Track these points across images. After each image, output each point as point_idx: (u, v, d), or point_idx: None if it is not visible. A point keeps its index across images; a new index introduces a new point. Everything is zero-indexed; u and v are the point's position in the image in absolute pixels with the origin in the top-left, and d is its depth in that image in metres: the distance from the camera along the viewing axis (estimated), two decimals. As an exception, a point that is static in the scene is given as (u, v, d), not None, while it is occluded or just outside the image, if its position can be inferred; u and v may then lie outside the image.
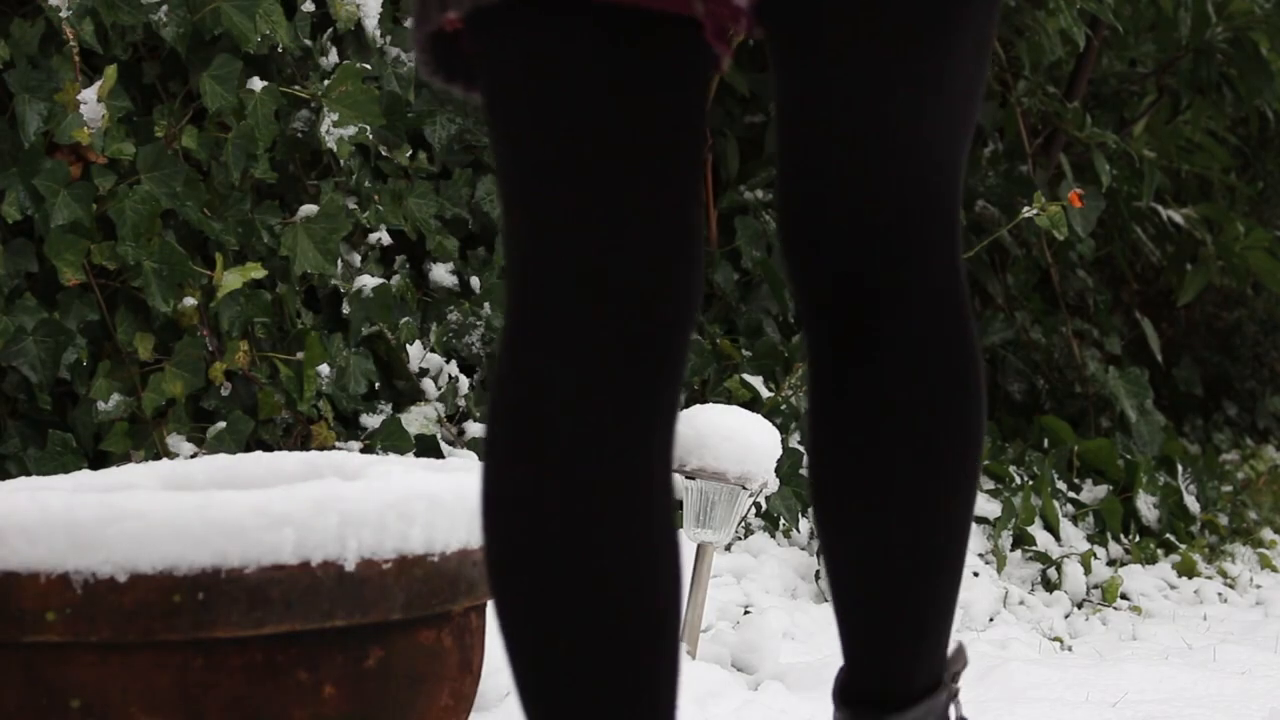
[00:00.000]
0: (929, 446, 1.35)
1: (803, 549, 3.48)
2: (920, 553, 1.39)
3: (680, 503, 2.61)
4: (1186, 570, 4.19)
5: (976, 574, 3.55)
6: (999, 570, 3.72)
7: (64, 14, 2.72)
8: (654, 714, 1.21)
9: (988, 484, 4.09)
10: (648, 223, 1.21)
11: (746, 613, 3.02)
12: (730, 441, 2.46)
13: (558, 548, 1.18)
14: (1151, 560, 4.25)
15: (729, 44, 1.27)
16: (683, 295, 1.23)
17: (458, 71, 1.30)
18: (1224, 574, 4.29)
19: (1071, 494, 4.37)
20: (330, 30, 3.20)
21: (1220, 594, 4.05)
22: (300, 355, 2.97)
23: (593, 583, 1.18)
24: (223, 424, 2.88)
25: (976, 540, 3.80)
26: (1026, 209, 3.70)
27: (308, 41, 3.14)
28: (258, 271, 2.84)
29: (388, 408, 3.24)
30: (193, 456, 2.84)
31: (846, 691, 1.45)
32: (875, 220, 1.27)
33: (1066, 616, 3.65)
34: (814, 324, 1.35)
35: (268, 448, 2.94)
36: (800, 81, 1.26)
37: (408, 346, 3.29)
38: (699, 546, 2.53)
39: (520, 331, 1.21)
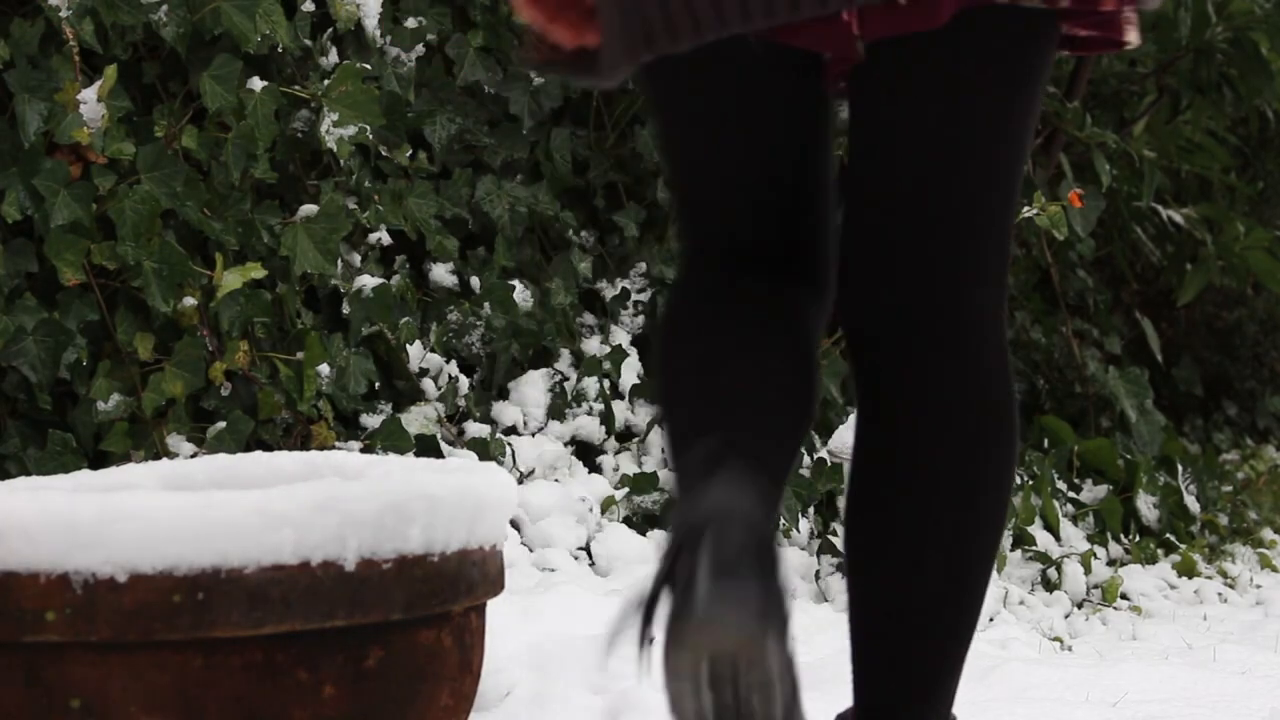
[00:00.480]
0: (964, 485, 1.47)
1: (803, 549, 3.48)
2: (948, 586, 1.48)
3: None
4: (1186, 570, 4.19)
5: (976, 574, 3.55)
6: (999, 570, 3.72)
7: (64, 14, 2.72)
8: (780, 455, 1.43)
9: (988, 484, 4.09)
10: (793, 185, 1.53)
11: (746, 613, 3.02)
12: (730, 441, 2.46)
13: (730, 331, 1.48)
14: (1151, 560, 4.25)
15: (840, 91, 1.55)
16: (810, 232, 1.54)
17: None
18: (1224, 574, 4.29)
19: (1071, 494, 4.37)
20: (330, 30, 3.20)
21: (1220, 594, 4.05)
22: (300, 355, 2.97)
23: (753, 351, 1.46)
24: (223, 424, 2.88)
25: (976, 540, 3.80)
26: (1026, 209, 3.70)
27: (308, 41, 3.14)
28: (258, 271, 2.84)
29: (388, 408, 3.24)
30: (193, 456, 2.84)
31: None
32: (931, 284, 1.49)
33: (1066, 616, 3.65)
34: (862, 360, 1.54)
35: (268, 448, 2.94)
36: (877, 144, 1.50)
37: (408, 346, 3.29)
38: (699, 546, 2.53)
39: (699, 254, 1.56)
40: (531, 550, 3.09)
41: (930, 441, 1.46)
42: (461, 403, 3.37)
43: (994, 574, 3.63)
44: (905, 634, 1.49)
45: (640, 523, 3.35)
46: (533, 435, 3.44)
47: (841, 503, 3.61)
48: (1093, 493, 4.41)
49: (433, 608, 1.54)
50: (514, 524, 3.14)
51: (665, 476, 3.38)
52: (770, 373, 1.45)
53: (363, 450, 3.09)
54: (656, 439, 3.55)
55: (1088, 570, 3.85)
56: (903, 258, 1.48)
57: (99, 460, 2.79)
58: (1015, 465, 1.51)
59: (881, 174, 1.48)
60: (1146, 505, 4.43)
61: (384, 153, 3.28)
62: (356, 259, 3.24)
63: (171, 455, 2.83)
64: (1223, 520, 4.75)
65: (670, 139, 1.59)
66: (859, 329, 1.53)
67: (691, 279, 1.57)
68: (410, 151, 3.32)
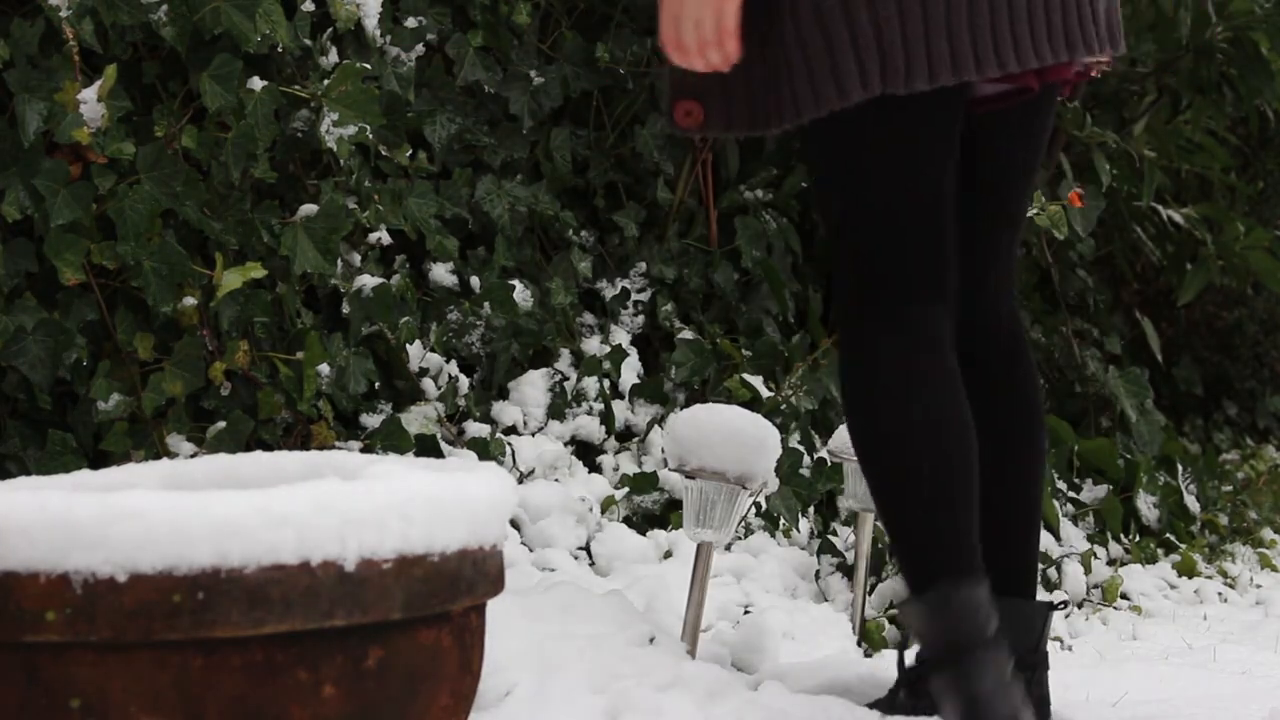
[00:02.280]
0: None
1: (802, 549, 3.48)
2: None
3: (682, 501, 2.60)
4: (1186, 570, 4.19)
5: (976, 574, 3.54)
6: (999, 570, 3.72)
7: (64, 14, 2.72)
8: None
9: (988, 484, 4.09)
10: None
11: (746, 613, 3.03)
12: (730, 441, 2.46)
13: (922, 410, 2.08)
14: (1151, 560, 4.25)
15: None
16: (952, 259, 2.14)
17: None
18: (1224, 574, 4.29)
19: (1071, 494, 4.37)
20: (330, 30, 3.20)
21: (1220, 594, 4.05)
22: (300, 355, 2.97)
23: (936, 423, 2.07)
24: (223, 424, 2.88)
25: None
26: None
27: (308, 41, 3.13)
28: (258, 271, 2.84)
29: (388, 407, 3.24)
30: (193, 456, 2.84)
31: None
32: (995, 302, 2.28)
33: (1067, 616, 3.65)
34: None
35: (268, 448, 2.94)
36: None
37: (408, 346, 3.29)
38: (699, 546, 2.53)
39: (883, 287, 2.11)
40: (531, 550, 3.09)
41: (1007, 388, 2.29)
42: (461, 402, 3.37)
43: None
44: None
45: (640, 522, 3.35)
46: (533, 435, 3.44)
47: (841, 502, 3.61)
48: (1093, 493, 4.41)
49: (433, 608, 1.54)
50: (514, 524, 3.14)
51: (665, 476, 3.38)
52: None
53: (363, 450, 3.09)
54: (656, 439, 3.55)
55: (1088, 570, 3.85)
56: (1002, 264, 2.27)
57: (99, 460, 2.79)
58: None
59: (1005, 197, 2.21)
60: (1146, 505, 4.43)
61: (384, 152, 3.28)
62: (356, 259, 3.24)
63: (171, 455, 2.82)
64: (1223, 520, 4.75)
65: (880, 172, 2.08)
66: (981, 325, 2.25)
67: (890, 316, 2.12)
68: (410, 151, 3.32)
